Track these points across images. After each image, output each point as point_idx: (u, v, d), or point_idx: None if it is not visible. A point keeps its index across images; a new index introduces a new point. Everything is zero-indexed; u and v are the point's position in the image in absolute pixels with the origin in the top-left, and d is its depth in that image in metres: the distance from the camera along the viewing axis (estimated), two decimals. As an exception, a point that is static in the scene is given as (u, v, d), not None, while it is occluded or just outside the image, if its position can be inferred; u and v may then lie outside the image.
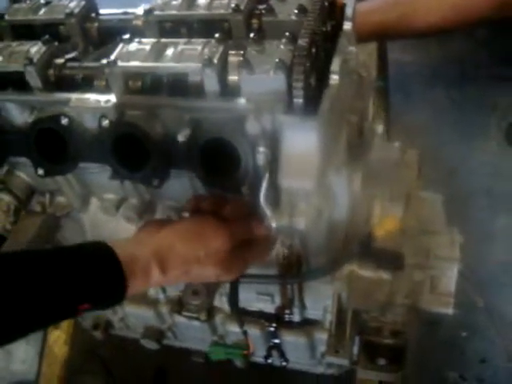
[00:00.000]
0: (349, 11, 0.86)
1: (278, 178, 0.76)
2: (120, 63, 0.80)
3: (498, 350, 1.44)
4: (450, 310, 1.07)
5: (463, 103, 1.60)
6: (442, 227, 1.09)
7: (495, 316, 1.44)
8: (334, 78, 0.77)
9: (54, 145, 0.89)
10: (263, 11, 0.84)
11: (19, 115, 0.91)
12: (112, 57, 0.81)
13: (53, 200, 1.09)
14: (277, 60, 0.73)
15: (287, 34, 0.78)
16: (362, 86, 0.89)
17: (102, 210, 1.04)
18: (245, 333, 1.02)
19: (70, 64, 0.88)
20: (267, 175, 0.78)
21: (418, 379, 1.36)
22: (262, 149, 0.76)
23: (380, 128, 0.89)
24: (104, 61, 0.81)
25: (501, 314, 1.44)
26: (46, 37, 0.88)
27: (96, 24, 0.95)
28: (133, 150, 0.86)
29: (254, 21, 0.85)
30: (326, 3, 0.82)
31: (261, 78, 0.74)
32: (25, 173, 1.06)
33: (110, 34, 0.95)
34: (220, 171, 0.82)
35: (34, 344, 1.47)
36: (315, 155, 0.74)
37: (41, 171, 0.93)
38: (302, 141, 0.74)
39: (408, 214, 1.02)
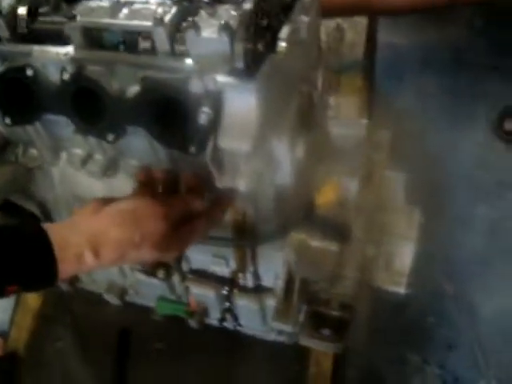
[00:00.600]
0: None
1: (218, 138, 0.79)
2: (79, 18, 0.83)
3: (464, 339, 1.45)
4: (402, 290, 1.08)
5: (454, 90, 1.60)
6: (401, 205, 1.11)
7: (464, 304, 1.45)
8: (281, 46, 0.78)
9: (21, 95, 0.93)
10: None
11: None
12: (73, 12, 0.84)
13: (26, 151, 1.13)
14: (222, 22, 0.75)
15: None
16: (318, 58, 0.90)
17: (68, 163, 1.08)
18: (186, 288, 1.05)
19: (41, 18, 0.91)
20: (211, 136, 0.80)
21: (377, 358, 1.38)
22: (205, 109, 0.78)
23: (330, 100, 0.91)
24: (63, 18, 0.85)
25: (470, 302, 1.45)
26: (18, -13, 0.91)
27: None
28: (91, 104, 0.89)
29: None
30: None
31: (206, 40, 0.76)
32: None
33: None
34: (169, 130, 0.85)
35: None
36: (253, 118, 0.76)
37: (8, 120, 0.97)
38: (241, 103, 0.76)
39: (366, 191, 1.04)
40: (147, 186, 0.93)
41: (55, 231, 0.81)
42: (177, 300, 1.11)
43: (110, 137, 0.89)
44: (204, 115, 0.78)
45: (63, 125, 1.00)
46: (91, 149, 1.04)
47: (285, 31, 0.79)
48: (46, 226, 0.81)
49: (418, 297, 1.42)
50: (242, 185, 0.83)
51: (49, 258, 0.79)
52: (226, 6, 0.79)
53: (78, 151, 1.06)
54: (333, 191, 0.89)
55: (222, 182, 0.85)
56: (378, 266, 1.09)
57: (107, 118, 0.88)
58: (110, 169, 1.05)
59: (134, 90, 0.82)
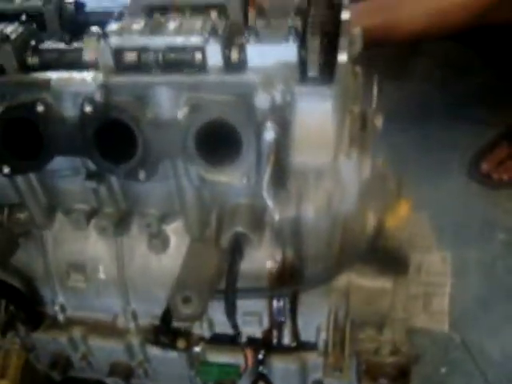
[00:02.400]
0: (346, 1, 0.84)
1: (288, 155, 0.70)
2: (112, 37, 0.73)
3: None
4: (445, 328, 1.01)
5: (423, 142, 1.62)
6: (433, 244, 1.05)
7: (473, 350, 1.39)
8: (342, 55, 0.73)
9: (24, 138, 0.80)
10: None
11: (-15, 105, 0.82)
12: (102, 32, 0.74)
13: (11, 215, 0.97)
14: (288, 27, 0.68)
15: (292, 11, 0.74)
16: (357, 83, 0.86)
17: (70, 223, 0.93)
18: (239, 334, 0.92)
19: (49, 46, 0.81)
20: (273, 158, 0.72)
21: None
22: (270, 125, 0.70)
23: (380, 121, 0.86)
24: (88, 41, 0.75)
25: (479, 347, 1.40)
26: (23, 17, 0.81)
27: (74, 13, 0.88)
28: (115, 143, 0.78)
29: (250, 6, 0.81)
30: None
31: (270, 49, 0.69)
32: (-18, 183, 0.94)
33: (88, 25, 0.88)
34: (217, 158, 0.75)
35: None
36: (331, 127, 0.69)
37: (6, 170, 0.83)
38: (316, 112, 0.68)
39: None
40: None
41: None
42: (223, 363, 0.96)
43: (142, 175, 0.78)
44: (269, 132, 0.70)
45: (67, 174, 0.88)
46: (99, 201, 0.91)
47: (343, 41, 0.74)
48: None
49: (429, 349, 1.36)
50: (309, 210, 0.74)
51: None
52: (280, 19, 0.74)
53: (82, 206, 0.92)
54: (404, 209, 0.82)
55: (280, 213, 0.76)
56: (417, 307, 1.01)
57: (140, 152, 0.77)
58: (121, 224, 0.92)
59: (180, 115, 0.72)
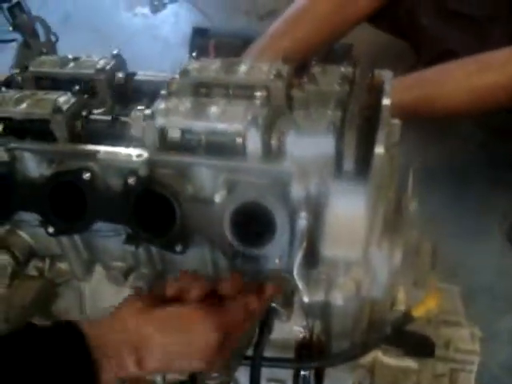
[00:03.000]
0: (387, 87, 0.85)
1: (320, 246, 0.72)
2: (158, 117, 0.77)
3: None
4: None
5: (462, 203, 1.60)
6: (463, 319, 1.05)
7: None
8: (379, 148, 0.75)
9: (69, 201, 0.84)
10: (305, 80, 0.83)
11: (35, 167, 0.86)
12: (149, 111, 0.78)
13: (52, 265, 1.01)
14: (328, 122, 0.71)
15: (332, 102, 0.77)
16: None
17: (108, 278, 0.97)
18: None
19: (98, 117, 0.85)
20: (304, 244, 0.73)
21: None
22: (303, 214, 0.72)
23: (414, 205, 0.87)
24: (140, 114, 0.78)
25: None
26: (76, 87, 0.85)
27: (125, 82, 0.92)
28: (156, 213, 0.81)
29: (295, 90, 0.84)
30: (371, 75, 0.81)
31: (309, 141, 0.72)
32: (27, 233, 0.98)
33: (138, 94, 0.93)
34: (251, 238, 0.78)
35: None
36: (362, 223, 0.70)
37: (51, 229, 0.87)
38: (349, 207, 0.70)
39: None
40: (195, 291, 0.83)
41: (94, 335, 0.71)
42: None
43: (179, 247, 0.81)
44: (302, 221, 0.72)
45: (109, 235, 0.91)
46: (136, 261, 0.94)
47: (381, 134, 0.76)
48: (84, 326, 0.71)
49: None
50: (338, 298, 0.75)
51: (87, 369, 0.69)
52: (321, 109, 0.76)
53: (120, 264, 0.96)
54: (434, 300, 0.83)
55: (310, 297, 0.77)
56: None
57: (178, 226, 0.80)
58: (156, 282, 0.95)
59: (221, 193, 0.75)
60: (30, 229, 0.96)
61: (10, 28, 2.02)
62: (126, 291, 0.98)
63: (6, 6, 1.98)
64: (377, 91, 0.86)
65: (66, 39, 2.15)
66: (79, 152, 0.81)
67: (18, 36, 2.03)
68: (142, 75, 0.95)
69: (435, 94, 1.20)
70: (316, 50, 1.40)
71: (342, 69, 0.83)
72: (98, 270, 1.00)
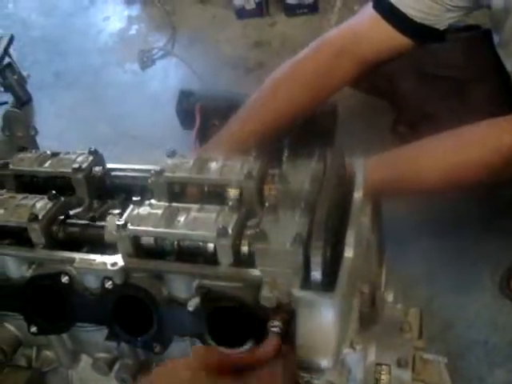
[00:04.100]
0: (359, 179, 0.86)
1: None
2: (130, 227, 0.78)
3: None
4: None
5: (455, 252, 1.60)
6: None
7: None
8: (349, 252, 0.75)
9: (50, 302, 0.86)
10: (276, 178, 0.85)
11: (16, 269, 0.87)
12: (122, 219, 0.79)
13: (40, 354, 1.02)
14: (294, 233, 0.72)
15: (302, 204, 0.78)
16: (369, 251, 0.88)
17: (93, 368, 0.98)
18: None
19: (74, 221, 0.86)
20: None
21: None
22: (275, 323, 0.73)
23: (391, 296, 0.87)
24: (110, 222, 0.80)
25: None
26: (53, 192, 0.86)
27: (103, 179, 0.94)
28: (134, 312, 0.82)
29: (266, 187, 0.85)
30: (340, 172, 0.83)
31: (277, 250, 0.73)
32: (13, 325, 1.00)
33: (116, 190, 0.94)
34: (229, 339, 0.79)
35: None
36: (332, 333, 0.71)
37: (34, 329, 0.88)
38: (318, 317, 0.71)
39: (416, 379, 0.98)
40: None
41: None
42: None
43: (157, 348, 0.82)
44: (274, 329, 0.73)
45: (91, 329, 0.92)
46: (120, 353, 0.95)
47: (350, 236, 0.77)
48: None
49: None
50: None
51: None
52: (289, 212, 0.77)
53: (105, 355, 0.97)
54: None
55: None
56: None
57: (156, 328, 0.81)
58: (141, 371, 0.96)
59: (194, 301, 0.76)
60: (15, 321, 0.98)
61: (1, 89, 2.07)
62: (114, 379, 1.00)
63: (-4, 67, 2.03)
64: (348, 182, 0.87)
65: (57, 97, 2.20)
66: (56, 258, 0.83)
67: (8, 98, 2.08)
68: (118, 170, 0.96)
69: (412, 171, 1.19)
70: (297, 118, 1.42)
71: (313, 165, 0.84)
72: (84, 358, 1.01)
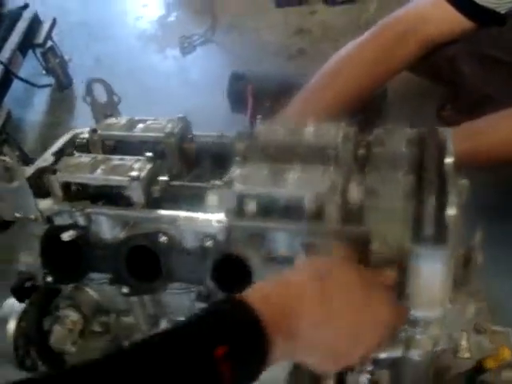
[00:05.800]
0: (449, 146, 0.88)
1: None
2: (237, 185, 0.80)
3: None
4: None
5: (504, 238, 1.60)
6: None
7: None
8: (452, 210, 0.77)
9: (146, 264, 0.87)
10: (371, 141, 0.86)
11: (110, 230, 0.89)
12: (227, 178, 0.81)
13: (118, 321, 1.04)
14: (405, 189, 0.73)
15: (403, 164, 0.80)
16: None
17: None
18: None
19: (174, 182, 0.88)
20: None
21: None
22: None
23: (481, 258, 0.89)
24: (217, 182, 0.81)
25: None
26: (150, 154, 0.88)
27: (193, 145, 0.95)
28: (230, 271, 0.84)
29: (361, 151, 0.86)
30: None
31: (388, 206, 0.74)
32: (94, 289, 1.01)
33: (204, 156, 0.96)
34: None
35: None
36: (443, 286, 0.73)
37: (125, 290, 0.89)
38: (431, 272, 0.72)
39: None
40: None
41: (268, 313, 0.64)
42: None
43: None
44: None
45: (179, 292, 0.94)
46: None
47: (452, 195, 0.78)
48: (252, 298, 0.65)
49: None
50: (416, 355, 0.78)
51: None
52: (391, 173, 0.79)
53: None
54: (507, 351, 0.84)
55: (389, 353, 0.80)
56: None
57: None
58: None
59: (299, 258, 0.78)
60: (97, 286, 0.99)
61: (44, 72, 2.08)
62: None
63: (39, 51, 2.04)
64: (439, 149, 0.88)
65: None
66: (158, 218, 0.84)
67: (52, 80, 2.09)
68: (203, 135, 0.97)
69: (487, 143, 1.22)
70: (357, 100, 1.43)
71: (407, 130, 0.86)
72: (163, 324, 1.02)
